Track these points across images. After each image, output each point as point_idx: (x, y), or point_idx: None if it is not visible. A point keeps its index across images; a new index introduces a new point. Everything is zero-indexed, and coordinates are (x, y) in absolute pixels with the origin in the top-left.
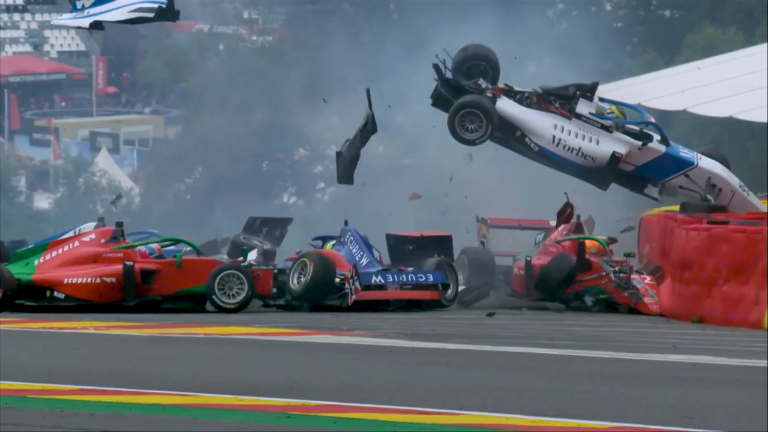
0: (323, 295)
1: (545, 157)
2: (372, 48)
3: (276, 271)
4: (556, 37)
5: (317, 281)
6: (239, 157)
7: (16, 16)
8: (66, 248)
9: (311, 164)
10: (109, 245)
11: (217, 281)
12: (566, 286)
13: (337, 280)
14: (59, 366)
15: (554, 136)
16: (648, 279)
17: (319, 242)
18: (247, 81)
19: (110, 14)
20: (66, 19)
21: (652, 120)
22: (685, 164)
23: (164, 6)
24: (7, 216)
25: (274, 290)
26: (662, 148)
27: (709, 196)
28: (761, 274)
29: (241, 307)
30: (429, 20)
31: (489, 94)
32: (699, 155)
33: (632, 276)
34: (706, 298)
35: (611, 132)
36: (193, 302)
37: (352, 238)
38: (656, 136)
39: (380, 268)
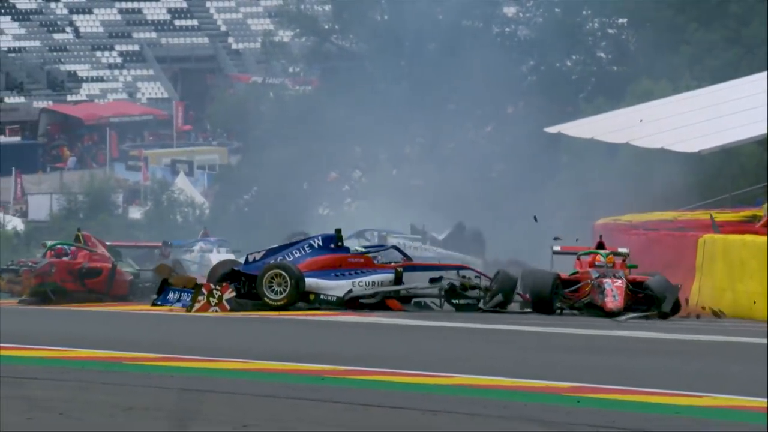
0: None
1: None
2: (384, 95)
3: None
4: (529, 86)
5: None
6: (285, 179)
7: (116, 72)
8: None
9: (340, 185)
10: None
11: None
12: (555, 298)
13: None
14: (146, 339)
15: None
16: (618, 282)
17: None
18: (290, 120)
19: None
20: None
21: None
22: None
23: None
24: (108, 224)
25: None
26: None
27: None
28: (686, 268)
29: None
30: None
31: None
32: None
33: (605, 280)
34: None
35: None
36: None
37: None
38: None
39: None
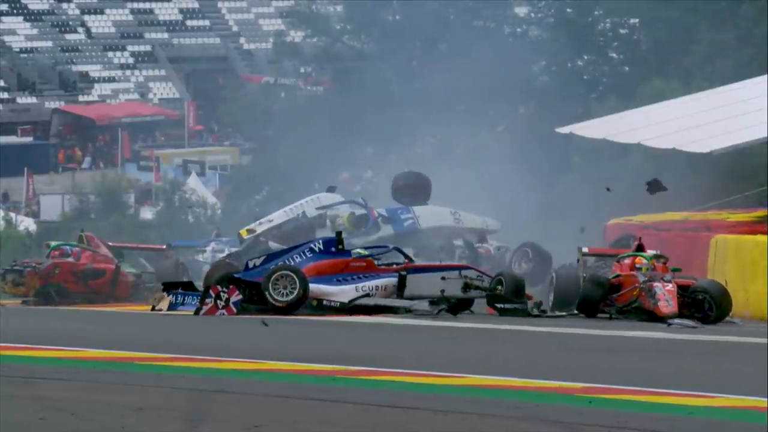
0: None
1: None
2: (395, 95)
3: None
4: (540, 86)
5: None
6: (296, 179)
7: (128, 72)
8: None
9: (352, 185)
10: None
11: None
12: (602, 302)
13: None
14: (157, 339)
15: None
16: (669, 286)
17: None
18: (302, 120)
19: None
20: None
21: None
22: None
23: None
24: (119, 224)
25: None
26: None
27: None
28: (698, 268)
29: None
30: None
31: None
32: None
33: (655, 284)
34: None
35: None
36: None
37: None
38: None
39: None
